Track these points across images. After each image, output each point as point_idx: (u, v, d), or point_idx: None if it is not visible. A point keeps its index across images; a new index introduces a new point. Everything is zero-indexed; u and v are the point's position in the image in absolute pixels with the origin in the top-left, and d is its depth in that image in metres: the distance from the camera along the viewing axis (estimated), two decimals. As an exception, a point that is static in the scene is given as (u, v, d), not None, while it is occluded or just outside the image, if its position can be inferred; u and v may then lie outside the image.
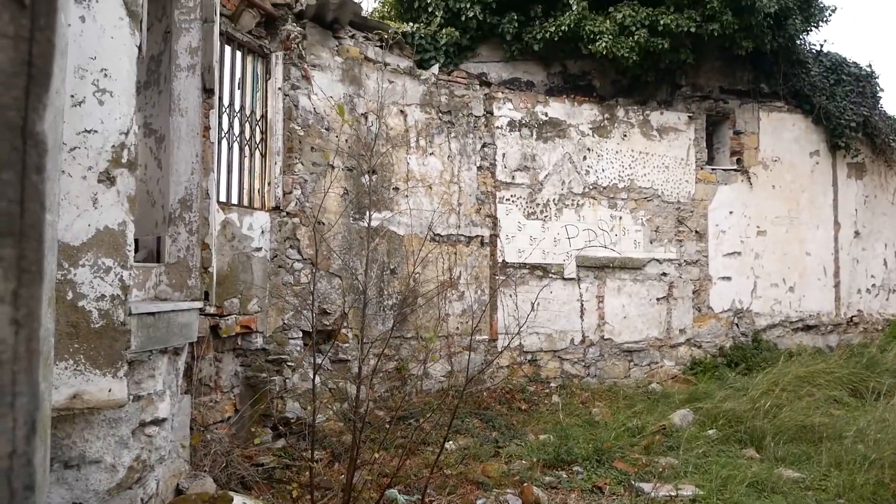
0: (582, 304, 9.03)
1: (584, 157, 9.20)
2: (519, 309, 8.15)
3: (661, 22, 8.61)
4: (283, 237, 6.42)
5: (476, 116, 8.52)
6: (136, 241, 4.01)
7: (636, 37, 8.59)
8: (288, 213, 6.48)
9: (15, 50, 0.61)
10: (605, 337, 9.14)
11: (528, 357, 8.68)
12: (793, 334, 10.62)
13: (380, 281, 7.35)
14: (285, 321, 6.38)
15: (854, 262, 11.26)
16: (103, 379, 3.38)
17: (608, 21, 8.69)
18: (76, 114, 3.31)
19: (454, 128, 8.28)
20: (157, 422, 4.05)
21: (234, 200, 6.01)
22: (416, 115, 7.95)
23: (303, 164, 6.62)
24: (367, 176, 7.18)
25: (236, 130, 6.05)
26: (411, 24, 8.96)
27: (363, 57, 7.34)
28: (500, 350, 8.10)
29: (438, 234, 7.95)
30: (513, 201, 8.70)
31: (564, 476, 5.53)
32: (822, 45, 11.07)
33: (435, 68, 8.41)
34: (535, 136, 8.92)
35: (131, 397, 3.69)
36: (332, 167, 6.82)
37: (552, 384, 8.62)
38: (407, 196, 7.69)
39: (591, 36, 8.69)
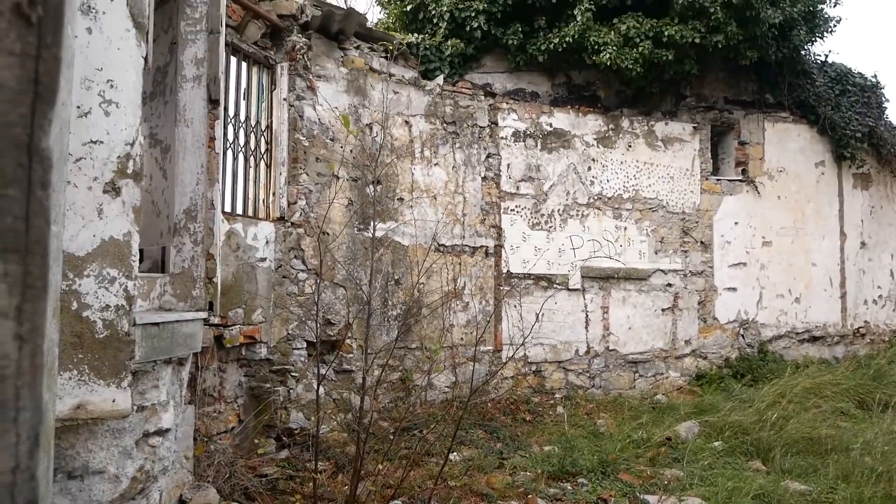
0: (587, 315, 9.01)
1: (589, 168, 9.20)
2: (523, 320, 8.14)
3: (666, 33, 8.63)
4: (288, 247, 6.43)
5: (481, 127, 8.54)
6: (140, 251, 4.02)
7: (640, 48, 8.61)
8: (292, 224, 6.49)
9: (21, 67, 0.61)
10: (609, 348, 9.12)
11: (533, 368, 8.66)
12: (799, 345, 10.57)
13: (384, 291, 7.34)
14: (289, 331, 6.37)
15: (860, 273, 11.22)
16: (107, 389, 3.38)
17: (612, 32, 8.71)
18: (82, 125, 3.32)
19: (459, 138, 8.30)
20: (161, 432, 4.04)
21: (239, 211, 6.02)
22: (421, 125, 7.97)
23: (307, 175, 6.63)
24: (371, 186, 7.19)
25: (241, 141, 6.07)
26: (416, 34, 9.00)
27: (368, 68, 7.37)
28: (504, 361, 8.08)
29: (443, 245, 7.95)
30: (517, 212, 8.70)
31: (569, 488, 5.50)
32: (827, 56, 11.08)
33: (440, 79, 8.43)
34: (539, 147, 8.93)
35: (135, 408, 3.69)
36: (337, 178, 6.84)
37: (557, 395, 8.60)
38: (411, 206, 7.70)
39: (596, 47, 8.71)
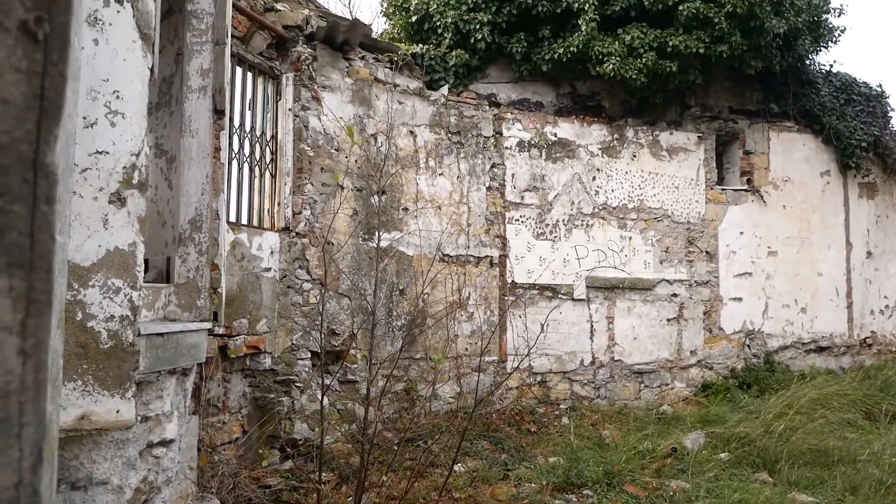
0: (592, 326, 8.99)
1: (594, 178, 9.20)
2: (528, 330, 8.12)
3: (670, 43, 8.64)
4: (293, 257, 6.43)
5: (485, 137, 8.55)
6: (145, 261, 4.02)
7: (644, 59, 8.62)
8: (297, 234, 6.50)
9: (27, 84, 0.61)
10: (615, 358, 9.09)
11: (538, 378, 8.63)
12: (805, 356, 10.52)
13: (389, 301, 7.34)
14: (294, 342, 6.37)
15: (867, 283, 11.17)
16: (111, 400, 3.38)
17: (617, 43, 8.72)
18: (88, 135, 3.34)
19: (463, 148, 8.31)
20: (165, 443, 4.04)
21: (244, 221, 6.03)
22: (426, 135, 7.99)
23: (312, 185, 6.65)
24: (376, 196, 7.20)
25: (247, 151, 6.08)
26: (421, 45, 9.02)
27: (373, 78, 7.39)
28: (509, 371, 8.06)
29: (448, 255, 7.95)
30: (522, 222, 8.70)
31: (574, 499, 5.47)
32: (831, 66, 11.08)
33: (444, 89, 8.46)
34: (544, 157, 8.93)
35: (139, 418, 3.69)
36: (342, 188, 6.85)
37: (562, 406, 8.57)
38: (416, 216, 7.71)
39: (600, 57, 8.73)
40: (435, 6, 9.12)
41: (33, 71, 0.62)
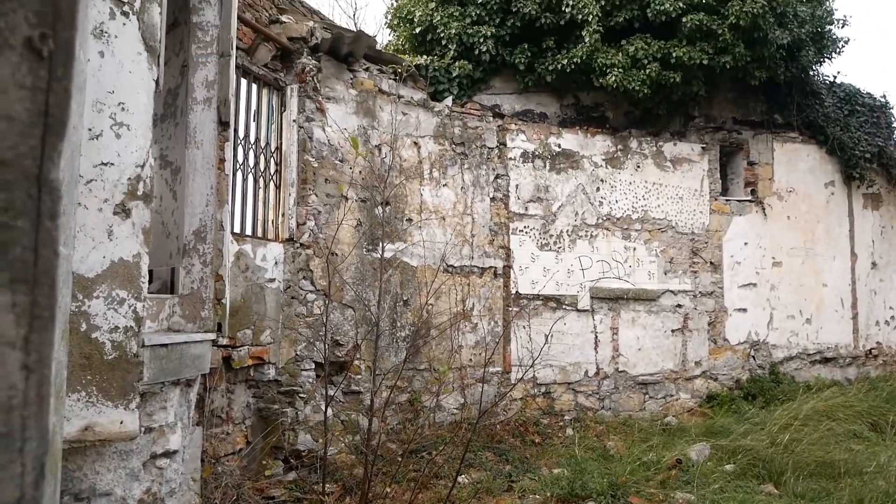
0: (596, 336, 8.97)
1: (598, 189, 9.20)
2: (532, 341, 8.10)
3: (674, 55, 8.66)
4: (297, 268, 6.44)
5: (489, 148, 8.57)
6: (150, 272, 4.03)
7: (648, 70, 8.64)
8: (301, 245, 6.50)
9: (32, 101, 0.62)
10: (619, 369, 9.06)
11: (542, 389, 8.60)
12: (810, 367, 10.48)
13: (393, 312, 7.33)
14: (298, 352, 6.37)
15: (872, 294, 11.13)
16: (115, 411, 3.38)
17: (620, 54, 8.74)
18: (93, 147, 3.35)
19: (467, 159, 8.33)
20: (169, 454, 4.03)
21: (248, 231, 6.04)
22: (430, 146, 8.00)
23: (317, 196, 6.66)
24: (380, 207, 7.21)
25: (251, 162, 6.10)
26: (425, 56, 9.06)
27: (377, 89, 7.42)
28: (513, 382, 8.03)
29: (451, 266, 7.95)
30: (526, 232, 8.70)
31: (579, 512, 5.44)
32: (835, 77, 11.10)
33: (448, 100, 8.48)
34: (548, 168, 8.94)
35: (143, 429, 3.69)
36: (346, 198, 6.86)
37: (566, 417, 8.54)
38: (420, 227, 7.71)
39: (603, 69, 8.75)
40: (439, 18, 9.16)
41: (38, 87, 0.62)
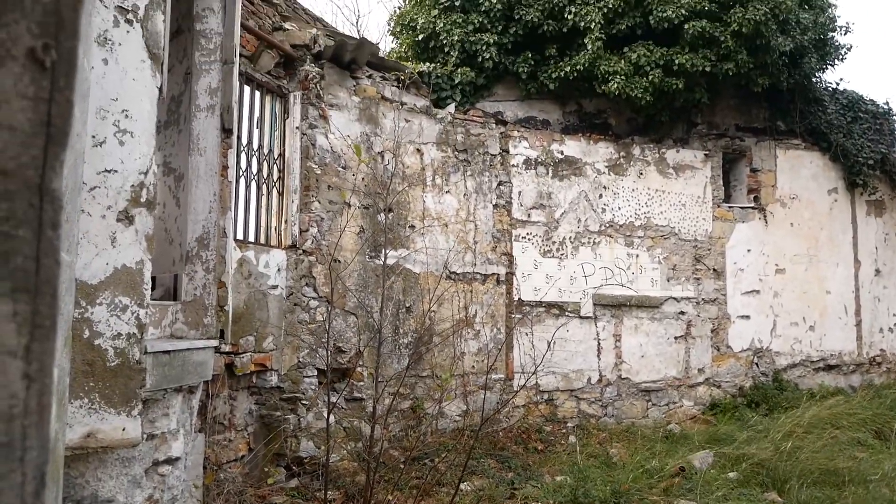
0: (599, 343, 8.95)
1: (601, 195, 9.20)
2: (535, 348, 8.09)
3: (676, 62, 8.67)
4: (300, 275, 6.44)
5: (492, 155, 8.57)
6: (153, 278, 4.04)
7: (651, 77, 8.65)
8: (304, 251, 6.51)
9: (34, 111, 0.62)
10: (622, 376, 9.04)
11: (545, 396, 8.58)
12: (814, 374, 10.44)
13: (395, 319, 7.33)
14: (300, 359, 6.36)
15: (875, 301, 11.10)
16: (118, 417, 3.38)
17: (623, 61, 8.76)
18: (97, 154, 3.36)
19: (470, 166, 8.33)
20: (171, 461, 4.03)
21: (251, 238, 6.05)
22: (433, 153, 8.01)
23: (319, 203, 6.67)
24: (383, 214, 7.21)
25: (254, 169, 6.11)
26: (428, 64, 9.08)
27: (380, 96, 7.43)
28: (516, 389, 8.01)
29: (454, 272, 7.94)
30: (529, 239, 8.70)
31: (582, 520, 5.42)
32: (838, 84, 11.11)
33: (451, 107, 8.49)
34: (550, 175, 8.94)
35: (145, 436, 3.68)
36: (349, 205, 6.87)
37: (569, 424, 8.51)
38: (423, 234, 7.71)
39: (606, 76, 8.77)
40: (441, 25, 9.19)
41: (40, 97, 0.63)
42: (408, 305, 7.49)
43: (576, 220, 9.01)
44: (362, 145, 7.03)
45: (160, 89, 3.75)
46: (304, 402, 6.26)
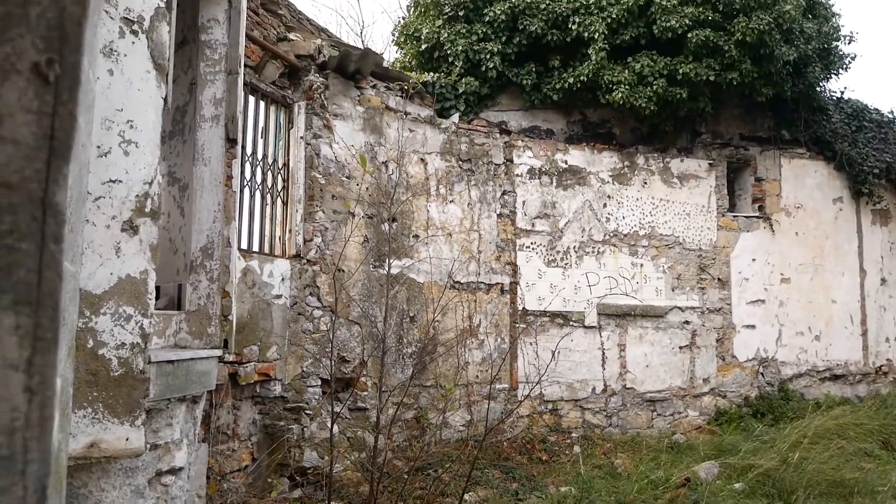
0: (603, 353, 8.93)
1: (605, 205, 9.19)
2: (539, 357, 8.07)
3: (680, 71, 8.68)
4: (304, 284, 6.44)
5: (496, 164, 8.58)
6: (157, 288, 4.04)
7: (654, 86, 8.66)
8: (308, 261, 6.51)
9: (38, 125, 0.62)
10: (627, 386, 9.01)
11: (549, 406, 8.55)
12: (820, 384, 10.39)
13: (399, 329, 7.32)
14: (304, 369, 6.36)
15: (881, 310, 11.06)
16: (121, 427, 3.38)
17: (626, 71, 8.77)
18: (102, 164, 3.37)
19: (474, 176, 8.34)
20: (174, 471, 4.02)
21: (256, 248, 6.06)
22: (437, 163, 8.02)
23: (324, 212, 6.68)
24: (387, 224, 7.22)
25: (258, 178, 6.13)
26: (432, 73, 9.11)
27: (384, 106, 7.45)
28: (520, 399, 7.99)
29: (458, 282, 7.94)
30: (533, 249, 8.69)
31: (586, 531, 5.39)
32: (842, 92, 11.10)
33: (455, 117, 8.51)
34: (554, 184, 8.94)
35: (148, 446, 3.68)
36: (353, 215, 6.87)
37: (573, 434, 8.48)
38: (427, 244, 7.72)
39: (609, 86, 8.78)
40: (446, 35, 9.22)
41: (44, 112, 0.63)
42: (412, 315, 7.48)
43: (580, 229, 9.01)
44: (366, 155, 7.04)
45: (165, 100, 3.76)
46: (307, 411, 6.25)
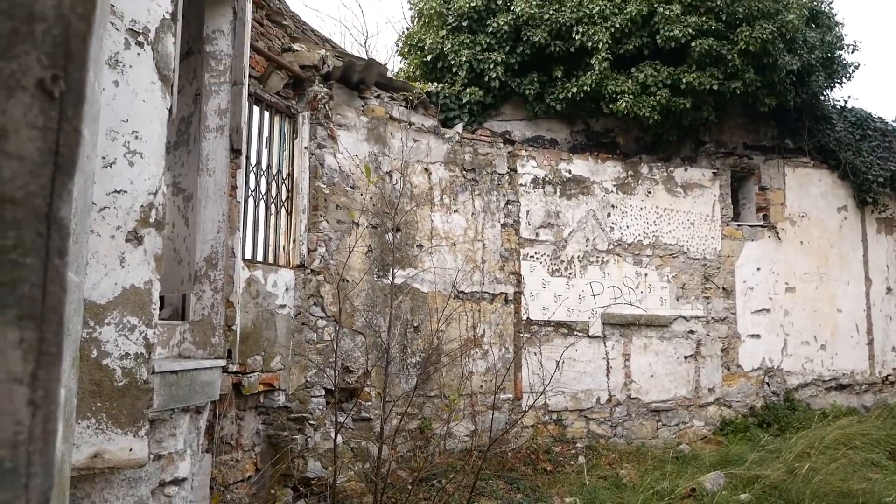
0: (608, 363, 8.90)
1: (609, 214, 9.19)
2: (544, 367, 8.04)
3: (683, 80, 8.69)
4: (308, 294, 6.45)
5: (500, 174, 8.59)
6: (161, 298, 4.05)
7: (658, 96, 8.67)
8: (312, 271, 6.52)
9: (43, 141, 0.63)
10: (631, 396, 8.98)
11: (554, 416, 8.53)
12: (826, 393, 10.35)
13: (403, 338, 7.32)
14: (308, 379, 6.35)
15: (887, 319, 11.01)
16: (125, 438, 3.38)
17: (630, 81, 8.79)
18: (107, 175, 3.39)
19: (478, 185, 8.35)
20: (177, 481, 4.01)
21: (260, 258, 6.07)
22: (441, 172, 8.04)
23: (328, 222, 6.69)
24: (391, 233, 7.23)
25: (263, 189, 6.14)
26: (436, 83, 9.13)
27: (388, 116, 7.48)
28: (524, 409, 7.97)
29: (462, 292, 7.93)
30: (537, 258, 8.69)
31: (591, 542, 5.36)
32: (846, 101, 11.09)
33: (459, 127, 8.53)
34: (558, 194, 8.95)
35: (152, 456, 3.68)
36: (357, 225, 6.88)
37: (578, 444, 8.45)
38: (431, 253, 7.72)
39: (613, 95, 8.79)
40: (449, 46, 9.25)
41: (49, 127, 0.63)
42: (416, 325, 7.47)
43: (584, 238, 9.00)
44: (371, 165, 7.06)
45: (170, 110, 3.78)
46: (311, 422, 6.24)
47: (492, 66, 9.02)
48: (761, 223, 10.22)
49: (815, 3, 10.23)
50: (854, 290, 10.74)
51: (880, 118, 11.20)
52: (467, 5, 9.25)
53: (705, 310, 9.55)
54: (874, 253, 11.00)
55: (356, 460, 6.42)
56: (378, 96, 7.42)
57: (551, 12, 8.97)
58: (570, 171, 9.07)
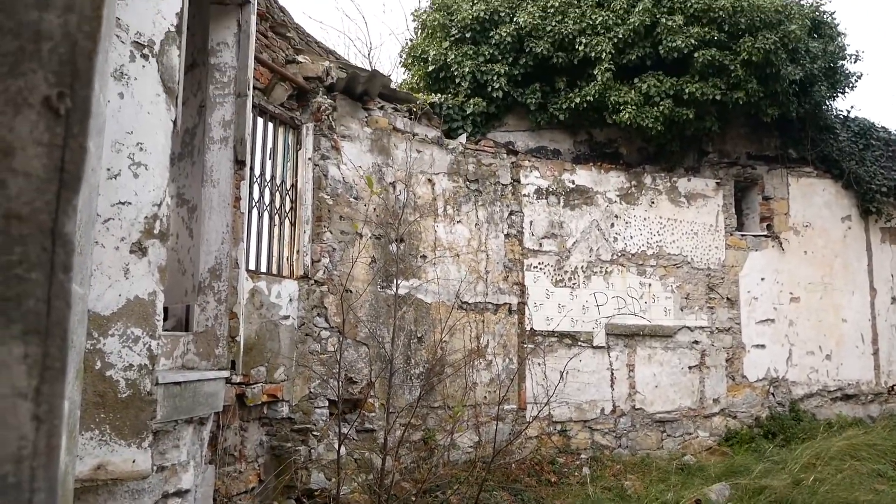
0: (612, 373, 8.88)
1: (612, 225, 9.19)
2: (548, 378, 8.03)
3: (686, 91, 8.71)
4: (311, 305, 6.45)
5: (503, 185, 8.60)
6: (165, 309, 4.05)
7: (661, 107, 8.69)
8: (316, 282, 6.52)
9: (48, 157, 0.63)
10: (636, 407, 8.94)
11: (558, 427, 8.50)
12: (832, 404, 10.29)
13: (407, 349, 7.31)
14: (311, 390, 6.34)
15: (893, 329, 10.97)
16: (128, 449, 3.37)
17: (633, 91, 8.81)
18: (111, 186, 3.39)
19: (481, 196, 8.36)
20: (180, 493, 4.00)
21: (263, 268, 6.07)
22: (444, 183, 8.05)
23: (331, 233, 6.70)
24: (394, 244, 7.23)
25: (266, 199, 6.16)
26: (439, 95, 9.16)
27: (392, 127, 7.50)
28: (528, 420, 7.94)
29: (466, 302, 7.93)
30: (540, 269, 8.68)
31: (596, 554, 5.33)
32: (849, 111, 11.11)
33: (462, 138, 8.55)
34: (562, 204, 8.95)
35: (155, 468, 3.67)
36: (361, 235, 6.89)
37: (582, 455, 8.41)
38: (434, 264, 7.72)
39: (616, 106, 8.81)
40: (453, 57, 9.28)
41: (54, 144, 0.64)
42: (419, 335, 7.47)
43: (587, 249, 9.00)
44: (374, 176, 7.07)
45: (175, 122, 3.80)
46: (315, 433, 6.23)
47: (495, 77, 9.05)
48: (765, 233, 10.20)
49: (817, 14, 10.26)
50: (859, 300, 10.71)
51: (884, 128, 11.21)
52: (470, 17, 9.29)
53: (709, 320, 9.53)
54: (879, 262, 10.97)
55: (360, 472, 6.40)
56: (382, 107, 7.44)
57: (554, 23, 9.00)
58: (573, 182, 9.07)
